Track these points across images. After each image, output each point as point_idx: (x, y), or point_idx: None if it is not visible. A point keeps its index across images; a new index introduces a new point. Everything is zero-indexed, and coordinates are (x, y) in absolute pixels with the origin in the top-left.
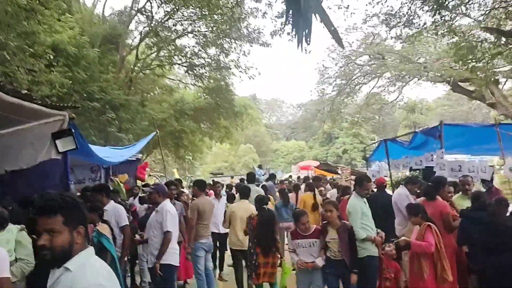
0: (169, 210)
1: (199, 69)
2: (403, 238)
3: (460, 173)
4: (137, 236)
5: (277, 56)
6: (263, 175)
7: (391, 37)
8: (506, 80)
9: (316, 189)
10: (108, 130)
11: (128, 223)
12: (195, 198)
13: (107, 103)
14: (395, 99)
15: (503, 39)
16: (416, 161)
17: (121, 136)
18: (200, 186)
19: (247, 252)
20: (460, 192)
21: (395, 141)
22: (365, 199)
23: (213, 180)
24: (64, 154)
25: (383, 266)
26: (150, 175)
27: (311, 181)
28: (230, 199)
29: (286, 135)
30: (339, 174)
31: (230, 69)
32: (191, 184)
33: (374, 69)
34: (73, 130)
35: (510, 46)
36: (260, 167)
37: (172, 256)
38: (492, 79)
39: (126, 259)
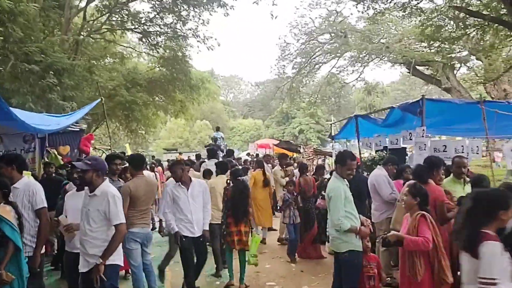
0: (116, 195)
1: (154, 38)
2: (392, 232)
3: (445, 153)
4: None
5: (237, 30)
6: (223, 143)
7: (358, 11)
8: (461, 66)
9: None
10: (49, 97)
11: (45, 205)
12: None
13: (48, 66)
14: (356, 79)
15: (467, 22)
16: (391, 139)
17: (63, 104)
18: (135, 164)
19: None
20: (452, 176)
21: (367, 118)
22: (347, 182)
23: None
24: None
25: (364, 262)
26: (96, 148)
27: (261, 159)
28: (207, 174)
29: (243, 113)
30: (300, 152)
31: (188, 38)
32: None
33: (335, 48)
34: None
35: (474, 29)
36: (218, 129)
37: (119, 254)
38: (449, 63)
39: (44, 251)
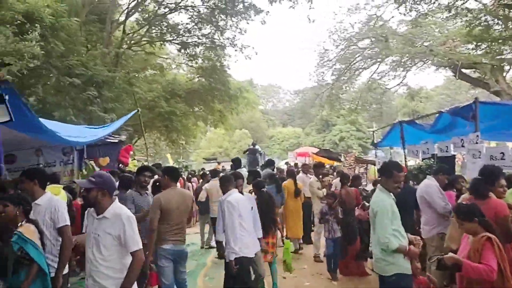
0: (130, 217)
1: (192, 48)
2: (450, 255)
3: (503, 161)
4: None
5: (274, 39)
6: (260, 154)
7: (400, 13)
8: (511, 67)
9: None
10: (90, 109)
11: (67, 223)
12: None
13: (89, 79)
14: (398, 84)
15: None
16: (440, 146)
17: (104, 116)
18: (172, 175)
19: None
20: None
21: (413, 124)
22: (393, 196)
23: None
24: None
25: (414, 286)
26: (134, 159)
27: (292, 167)
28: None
29: (283, 121)
30: (341, 161)
31: (225, 47)
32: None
33: (376, 53)
34: (6, 97)
35: None
36: (254, 145)
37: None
38: (498, 65)
39: (67, 272)
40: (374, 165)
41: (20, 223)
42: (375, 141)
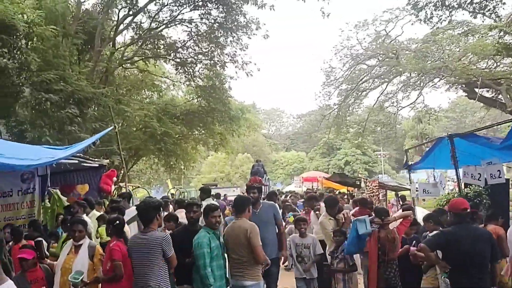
0: None
1: (190, 66)
2: None
3: None
4: None
5: (276, 64)
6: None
7: (419, 19)
8: None
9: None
10: (69, 129)
11: None
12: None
13: (69, 96)
14: (412, 103)
15: None
16: (491, 172)
17: (85, 137)
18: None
19: None
20: None
21: (471, 138)
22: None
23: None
24: None
25: None
26: (138, 187)
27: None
28: None
29: (286, 145)
30: (360, 187)
31: (226, 65)
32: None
33: (386, 71)
34: None
35: None
36: (258, 162)
37: None
38: None
39: None
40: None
41: None
42: (409, 162)
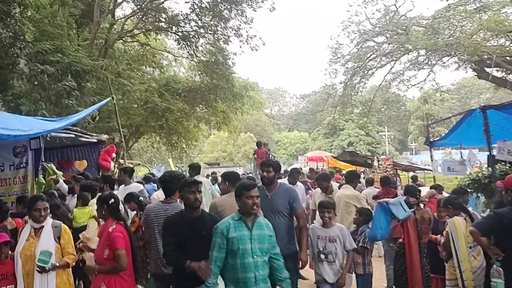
0: None
1: (193, 40)
2: None
3: None
4: None
5: (280, 43)
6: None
7: None
8: None
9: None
10: (66, 103)
11: None
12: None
13: (67, 67)
14: (424, 80)
15: None
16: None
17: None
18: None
19: None
20: None
21: (508, 109)
22: None
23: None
24: None
25: None
26: (139, 164)
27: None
28: None
29: (289, 126)
30: (371, 166)
31: (229, 38)
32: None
33: (396, 47)
34: None
35: None
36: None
37: None
38: None
39: None
40: (427, 170)
41: None
42: (431, 138)
